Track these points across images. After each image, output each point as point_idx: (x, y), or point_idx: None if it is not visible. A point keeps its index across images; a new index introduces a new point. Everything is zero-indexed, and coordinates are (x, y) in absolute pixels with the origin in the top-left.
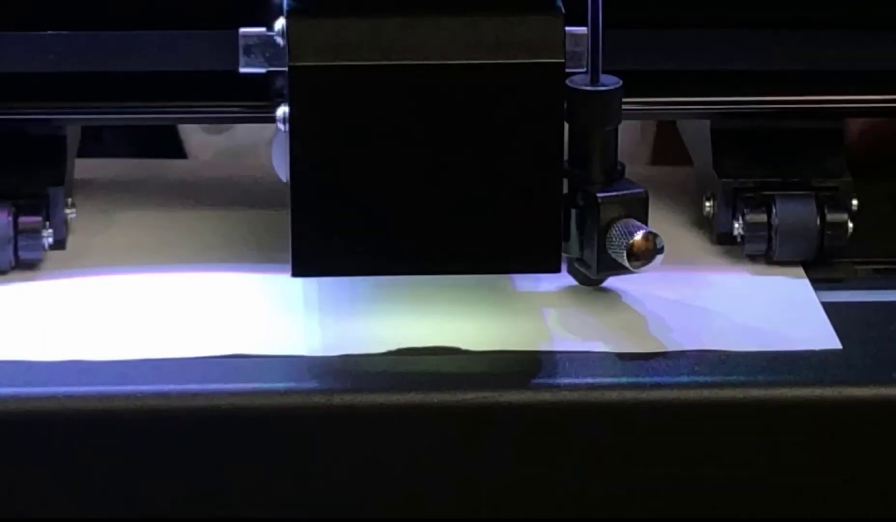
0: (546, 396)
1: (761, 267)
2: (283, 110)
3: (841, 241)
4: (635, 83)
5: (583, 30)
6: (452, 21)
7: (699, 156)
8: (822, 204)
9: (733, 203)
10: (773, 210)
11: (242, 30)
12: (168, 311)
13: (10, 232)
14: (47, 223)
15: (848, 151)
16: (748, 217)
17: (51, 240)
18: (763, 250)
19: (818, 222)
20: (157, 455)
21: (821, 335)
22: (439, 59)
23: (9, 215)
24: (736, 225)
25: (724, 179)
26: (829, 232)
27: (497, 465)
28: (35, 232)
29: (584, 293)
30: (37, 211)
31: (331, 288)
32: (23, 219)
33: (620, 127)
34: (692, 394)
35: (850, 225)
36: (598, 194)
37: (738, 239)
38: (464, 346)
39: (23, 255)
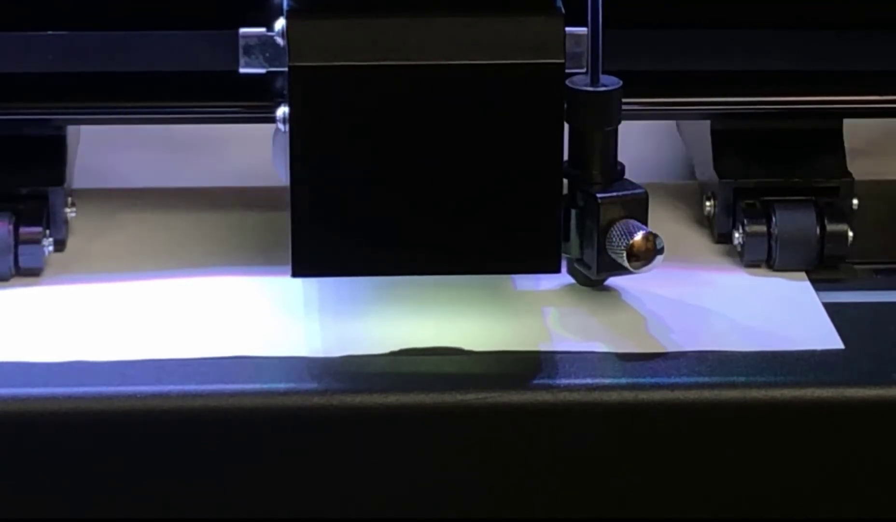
0: (546, 396)
1: (762, 267)
2: (283, 110)
3: (841, 250)
4: (635, 83)
5: (583, 30)
6: (452, 21)
7: (699, 156)
8: (822, 214)
9: (733, 203)
10: (773, 220)
11: (242, 30)
12: (168, 312)
13: (11, 242)
14: (47, 231)
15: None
16: (748, 228)
17: (51, 248)
18: (763, 259)
19: (818, 231)
20: (158, 455)
21: (822, 335)
22: (439, 60)
23: (9, 223)
24: (736, 235)
25: (724, 180)
26: (829, 243)
27: (497, 465)
28: (35, 242)
29: (585, 293)
30: (37, 218)
31: (331, 288)
32: (23, 229)
33: None
34: (692, 394)
35: (851, 234)
36: (598, 195)
37: (738, 249)
38: (464, 346)
39: (23, 263)
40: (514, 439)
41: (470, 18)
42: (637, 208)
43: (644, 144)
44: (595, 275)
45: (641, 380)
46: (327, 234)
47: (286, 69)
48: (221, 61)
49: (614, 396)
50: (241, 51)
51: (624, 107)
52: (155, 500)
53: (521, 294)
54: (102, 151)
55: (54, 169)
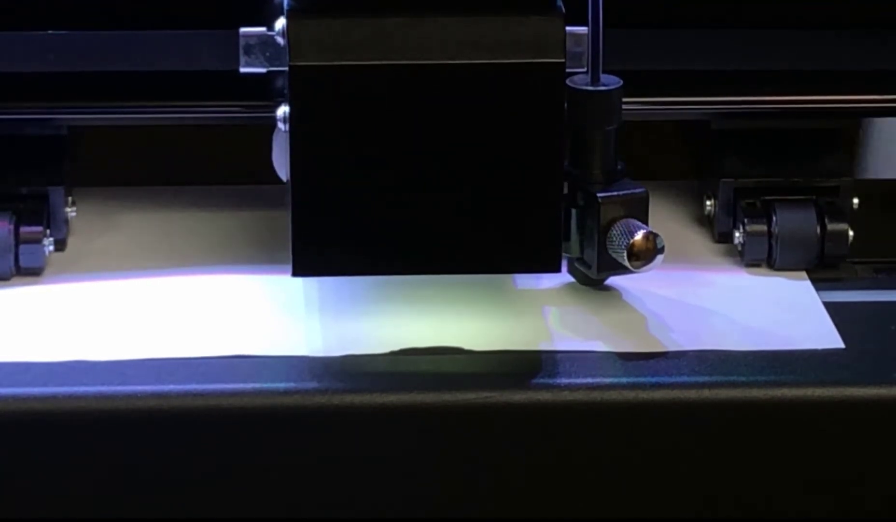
0: (546, 395)
1: (762, 267)
2: (283, 110)
3: (842, 250)
4: (635, 83)
5: (583, 30)
6: (452, 21)
7: (699, 155)
8: (822, 213)
9: (733, 203)
10: (774, 220)
11: (243, 30)
12: (168, 312)
13: (11, 242)
14: (48, 231)
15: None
16: (748, 227)
17: (51, 248)
18: (763, 259)
19: (819, 231)
20: (158, 455)
21: (823, 334)
22: (439, 59)
23: (9, 223)
24: (736, 234)
25: (724, 179)
26: (829, 243)
27: (498, 465)
28: (36, 242)
29: (585, 293)
30: (37, 218)
31: (331, 288)
32: (24, 229)
33: None
34: (692, 394)
35: (851, 234)
36: (599, 194)
37: (739, 248)
38: (464, 346)
39: (24, 263)
40: (514, 439)
41: (470, 18)
42: (637, 208)
43: None
44: (595, 274)
45: (642, 380)
46: (327, 234)
47: (286, 69)
48: (221, 61)
49: (615, 395)
50: (241, 50)
51: (624, 107)
52: (155, 500)
53: (521, 293)
54: None
55: (54, 169)
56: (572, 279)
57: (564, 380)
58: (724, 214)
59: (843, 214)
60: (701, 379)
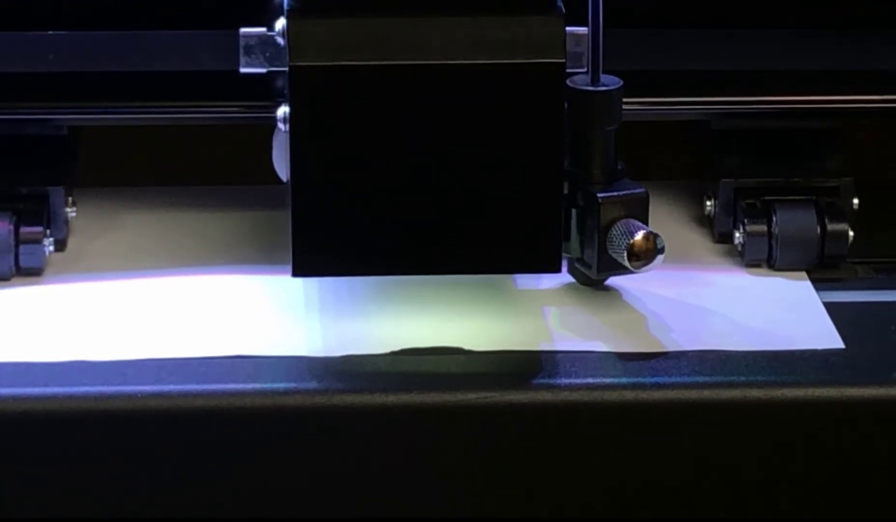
0: (547, 395)
1: (762, 267)
2: (283, 110)
3: (842, 250)
4: (635, 83)
5: (583, 30)
6: (452, 21)
7: (699, 156)
8: (822, 213)
9: (734, 203)
10: (774, 220)
11: (243, 30)
12: (169, 312)
13: (11, 242)
14: (48, 231)
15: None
16: (749, 227)
17: (52, 248)
18: (764, 259)
19: (819, 231)
20: (158, 455)
21: (823, 335)
22: (439, 59)
23: (10, 223)
24: (737, 235)
25: (724, 179)
26: (829, 243)
27: (498, 465)
28: (36, 242)
29: (585, 293)
30: (37, 218)
31: (331, 288)
32: (24, 229)
33: None
34: (692, 394)
35: (851, 234)
36: (599, 194)
37: (739, 249)
38: (465, 346)
39: (24, 263)
40: (514, 439)
41: (470, 18)
42: (637, 208)
43: None
44: (596, 275)
45: (642, 380)
46: (327, 234)
47: (286, 69)
48: (221, 61)
49: (615, 395)
50: (241, 51)
51: (624, 107)
52: (155, 500)
53: (521, 294)
54: None
55: (54, 169)
56: (572, 279)
57: (564, 380)
58: (724, 214)
59: (843, 214)
60: (701, 379)
